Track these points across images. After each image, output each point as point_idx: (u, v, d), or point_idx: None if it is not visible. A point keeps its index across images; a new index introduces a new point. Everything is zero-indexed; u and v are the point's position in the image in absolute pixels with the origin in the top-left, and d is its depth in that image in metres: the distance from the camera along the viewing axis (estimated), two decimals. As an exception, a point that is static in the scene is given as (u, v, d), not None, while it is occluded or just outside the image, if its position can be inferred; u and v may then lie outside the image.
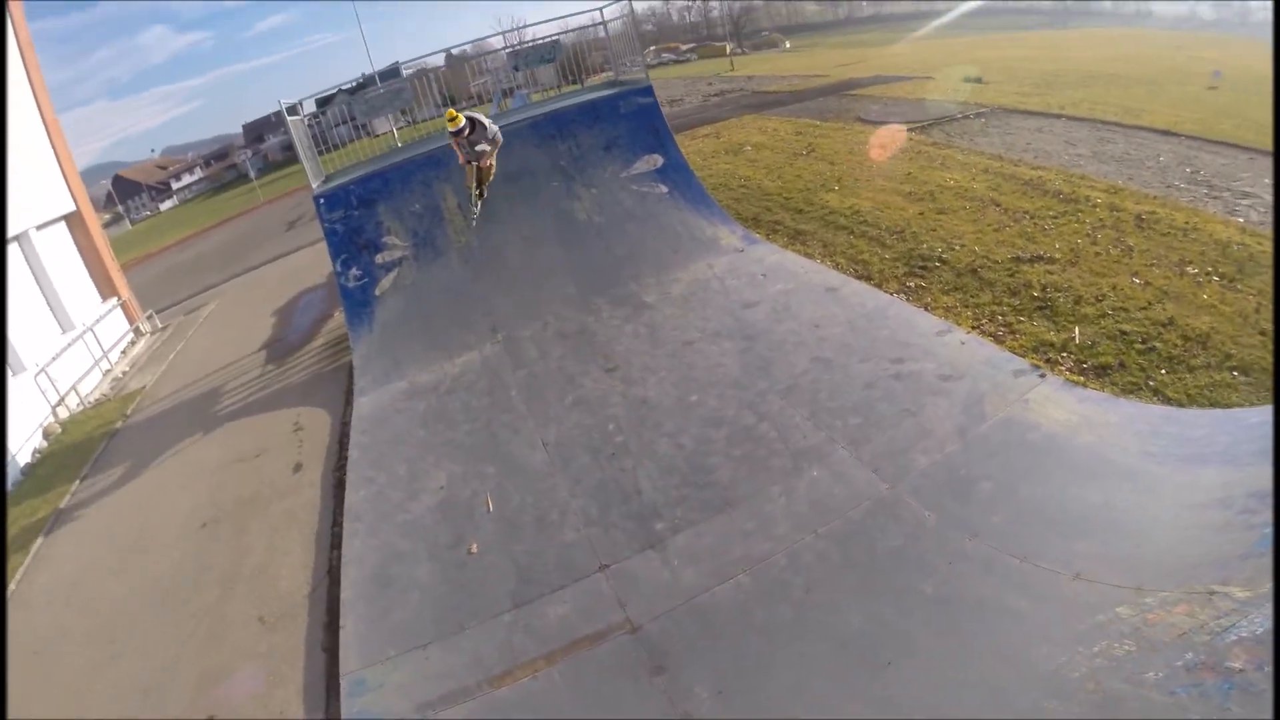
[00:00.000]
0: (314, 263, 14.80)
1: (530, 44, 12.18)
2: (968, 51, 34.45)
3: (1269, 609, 3.33)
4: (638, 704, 4.01)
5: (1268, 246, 9.94)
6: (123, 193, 53.06)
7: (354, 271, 9.22)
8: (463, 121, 8.33)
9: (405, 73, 13.26)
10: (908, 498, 5.02)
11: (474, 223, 9.14)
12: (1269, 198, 13.09)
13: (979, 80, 24.65)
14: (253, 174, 41.24)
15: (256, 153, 53.09)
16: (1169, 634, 3.52)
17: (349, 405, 8.02)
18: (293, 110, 10.02)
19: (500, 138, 8.92)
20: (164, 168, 56.49)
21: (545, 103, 11.74)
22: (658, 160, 10.18)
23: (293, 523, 6.49)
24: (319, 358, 9.89)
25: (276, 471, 7.28)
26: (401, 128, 12.95)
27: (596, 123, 10.41)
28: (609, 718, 3.98)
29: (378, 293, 9.10)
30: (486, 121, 8.84)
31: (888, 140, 15.61)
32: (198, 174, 55.21)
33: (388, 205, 9.60)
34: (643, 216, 9.57)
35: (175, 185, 55.02)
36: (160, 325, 14.08)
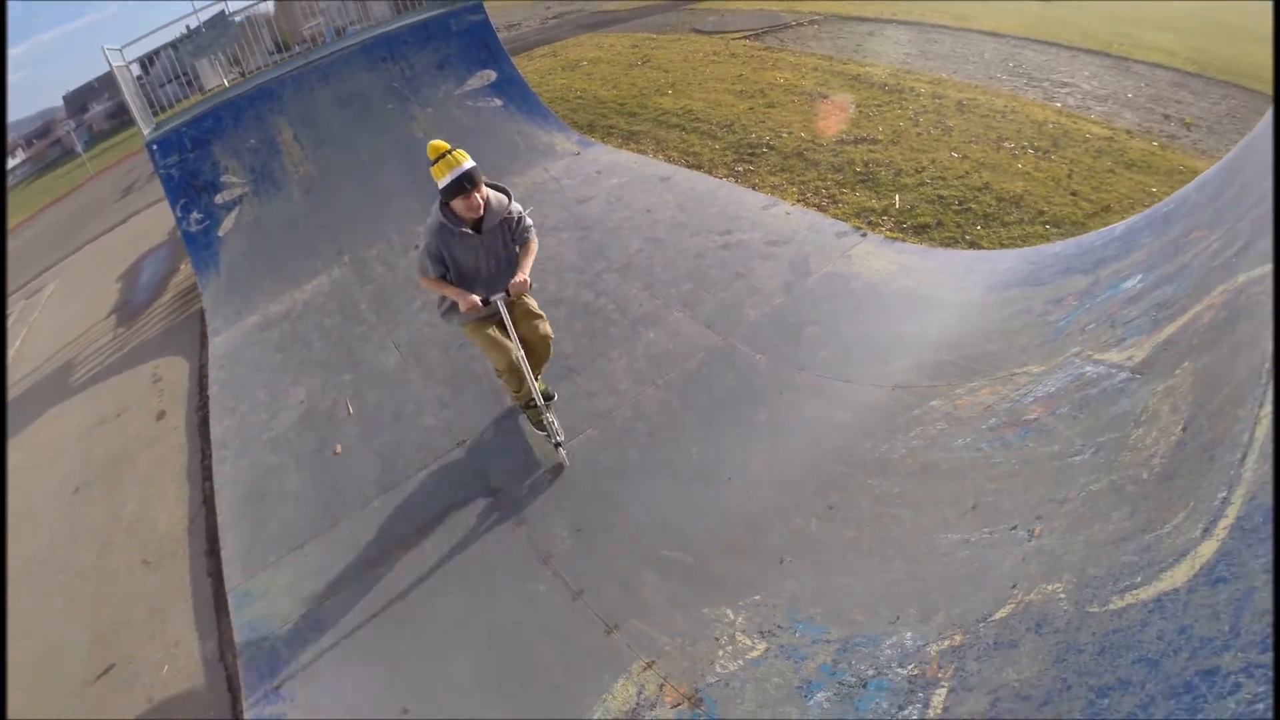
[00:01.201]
0: (154, 224, 14.27)
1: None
2: (811, -37, 35.12)
3: (1062, 376, 3.89)
4: (505, 553, 4.30)
5: (1082, 125, 10.76)
6: (-66, 188, 48.95)
7: (195, 215, 9.02)
8: (467, 164, 4.56)
9: (231, 18, 12.75)
10: (740, 345, 5.45)
11: (560, 447, 4.87)
12: (1087, 87, 14.07)
13: (816, -12, 25.27)
14: (80, 147, 38.55)
15: (81, 124, 49.44)
16: (976, 410, 4.08)
17: (205, 348, 7.94)
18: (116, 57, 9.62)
19: (534, 238, 4.93)
20: (-21, 154, 52.24)
21: (377, 27, 11.56)
22: (491, 75, 10.24)
23: (163, 467, 6.45)
24: (170, 311, 9.68)
25: (141, 424, 7.20)
26: (233, 79, 12.47)
27: (428, 42, 10.36)
28: (479, 570, 4.27)
29: (221, 233, 8.94)
30: (517, 206, 4.84)
31: (720, 47, 15.98)
32: (20, 156, 51.16)
33: (222, 144, 9.37)
34: (479, 130, 9.66)
35: (-3, 171, 51.02)
36: (-1, 315, 13.35)
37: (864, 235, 6.78)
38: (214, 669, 4.53)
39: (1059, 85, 13.84)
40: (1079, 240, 6.02)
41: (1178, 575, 2.09)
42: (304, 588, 4.53)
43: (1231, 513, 2.09)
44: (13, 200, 34.32)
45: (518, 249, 4.87)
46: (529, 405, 5.05)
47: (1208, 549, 2.06)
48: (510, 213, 4.76)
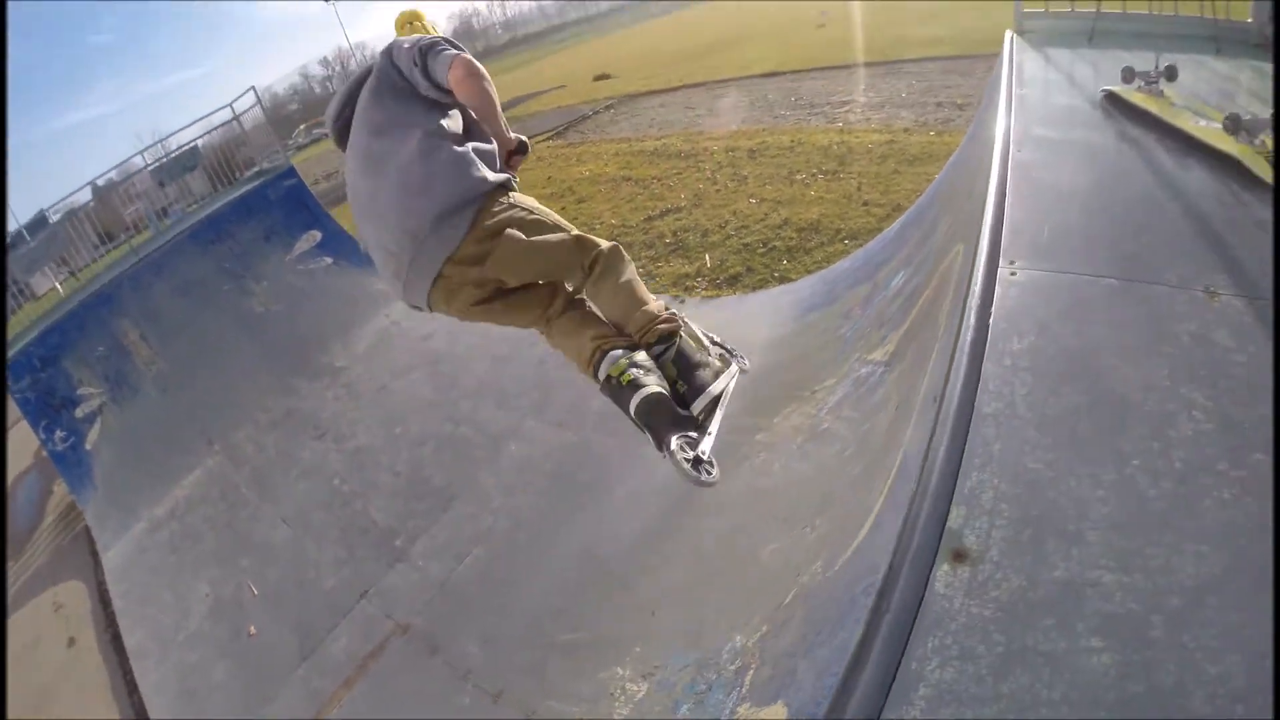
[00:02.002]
0: (16, 447, 13.99)
1: (170, 155, 12.28)
2: (602, 52, 36.86)
3: (847, 383, 4.79)
4: (428, 683, 4.78)
5: (863, 137, 11.96)
6: None
7: (59, 434, 9.10)
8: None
9: (53, 218, 12.74)
10: (592, 435, 6.14)
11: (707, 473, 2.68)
12: (863, 99, 15.49)
13: (607, 77, 26.71)
14: None
15: None
16: (789, 433, 4.96)
17: (99, 564, 8.02)
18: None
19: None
20: None
21: (201, 209, 11.91)
22: (317, 235, 10.72)
23: (87, 693, 6.49)
24: (54, 534, 9.64)
25: (54, 655, 7.20)
26: (64, 280, 12.47)
27: (251, 216, 10.78)
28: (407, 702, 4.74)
29: (89, 446, 9.06)
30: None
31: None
32: None
33: (72, 357, 9.49)
34: (316, 292, 10.11)
35: None
36: None
37: (682, 301, 7.57)
38: None
39: (838, 106, 15.14)
40: (865, 249, 7.00)
41: (862, 534, 2.82)
42: None
43: (893, 471, 2.76)
44: None
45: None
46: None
47: (878, 505, 2.80)
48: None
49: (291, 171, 11.29)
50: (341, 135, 3.06)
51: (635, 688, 3.89)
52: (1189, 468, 1.88)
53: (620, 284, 3.01)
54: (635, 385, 2.72)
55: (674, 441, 2.61)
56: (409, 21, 3.50)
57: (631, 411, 2.74)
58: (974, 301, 2.50)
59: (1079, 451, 1.97)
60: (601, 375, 2.84)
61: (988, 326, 2.37)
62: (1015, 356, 2.26)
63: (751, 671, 3.21)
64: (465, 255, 2.73)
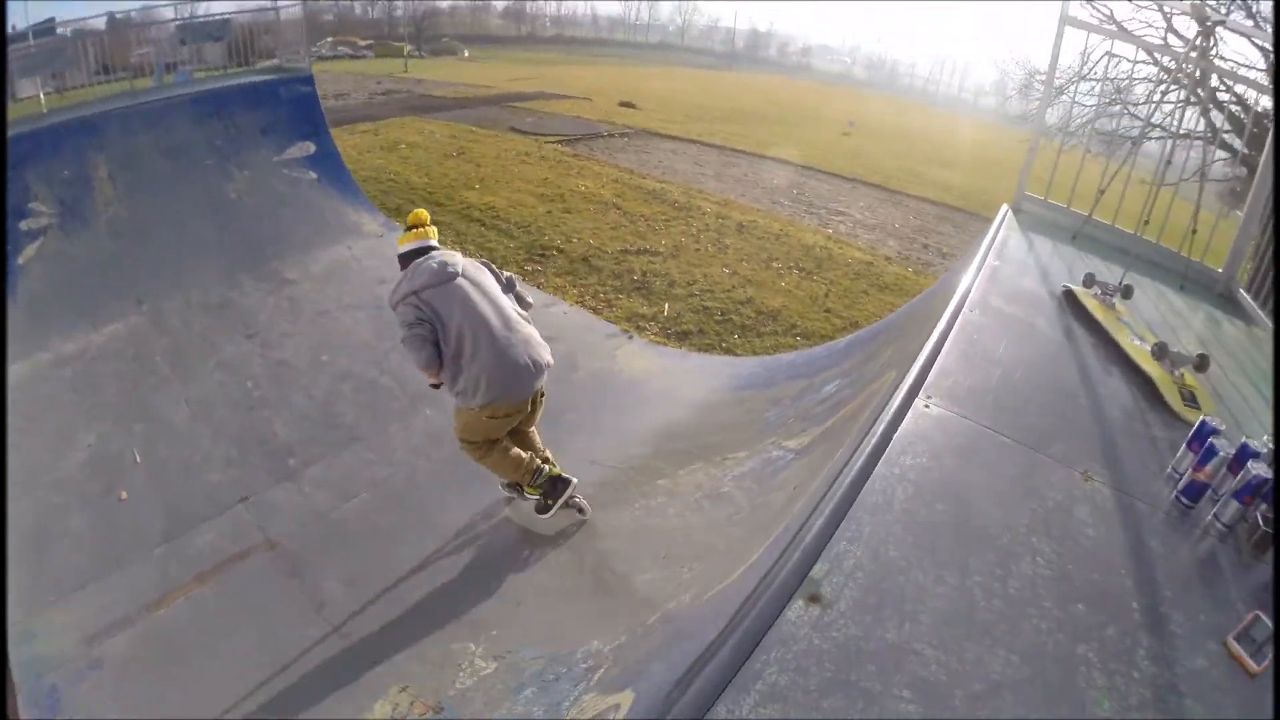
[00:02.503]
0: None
1: (201, 19, 12.22)
2: (633, 81, 37.39)
3: (758, 460, 5.27)
4: (280, 604, 4.91)
5: (847, 250, 12.56)
6: None
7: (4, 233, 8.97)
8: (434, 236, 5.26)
9: (62, 31, 12.43)
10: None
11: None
12: (859, 216, 16.17)
13: (632, 106, 27.20)
14: None
15: None
16: (690, 486, 5.34)
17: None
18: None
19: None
20: None
21: (208, 81, 11.86)
22: (310, 148, 10.83)
23: None
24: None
25: None
26: (48, 93, 12.20)
27: (257, 106, 10.81)
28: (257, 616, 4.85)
29: (21, 261, 8.92)
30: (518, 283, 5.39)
31: (533, 148, 17.20)
32: None
33: (36, 169, 9.31)
34: (292, 200, 10.23)
35: None
36: None
37: (631, 338, 7.96)
38: None
39: (834, 213, 15.78)
40: (811, 351, 7.51)
41: (736, 575, 3.38)
42: (83, 628, 4.79)
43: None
44: None
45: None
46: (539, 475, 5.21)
47: (755, 555, 3.36)
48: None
49: (310, 79, 11.38)
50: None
51: (484, 665, 4.14)
52: (1020, 596, 2.38)
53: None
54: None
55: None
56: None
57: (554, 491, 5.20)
58: (886, 415, 3.05)
59: (933, 555, 2.47)
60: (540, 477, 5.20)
61: (890, 439, 2.92)
62: (905, 469, 2.81)
63: (602, 670, 3.55)
64: None
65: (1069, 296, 4.77)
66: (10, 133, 9.76)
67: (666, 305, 9.15)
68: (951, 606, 2.29)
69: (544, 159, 16.58)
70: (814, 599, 2.22)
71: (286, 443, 6.40)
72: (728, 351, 8.22)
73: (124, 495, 5.97)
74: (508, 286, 5.13)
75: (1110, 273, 5.14)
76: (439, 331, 4.61)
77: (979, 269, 4.83)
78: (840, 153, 22.90)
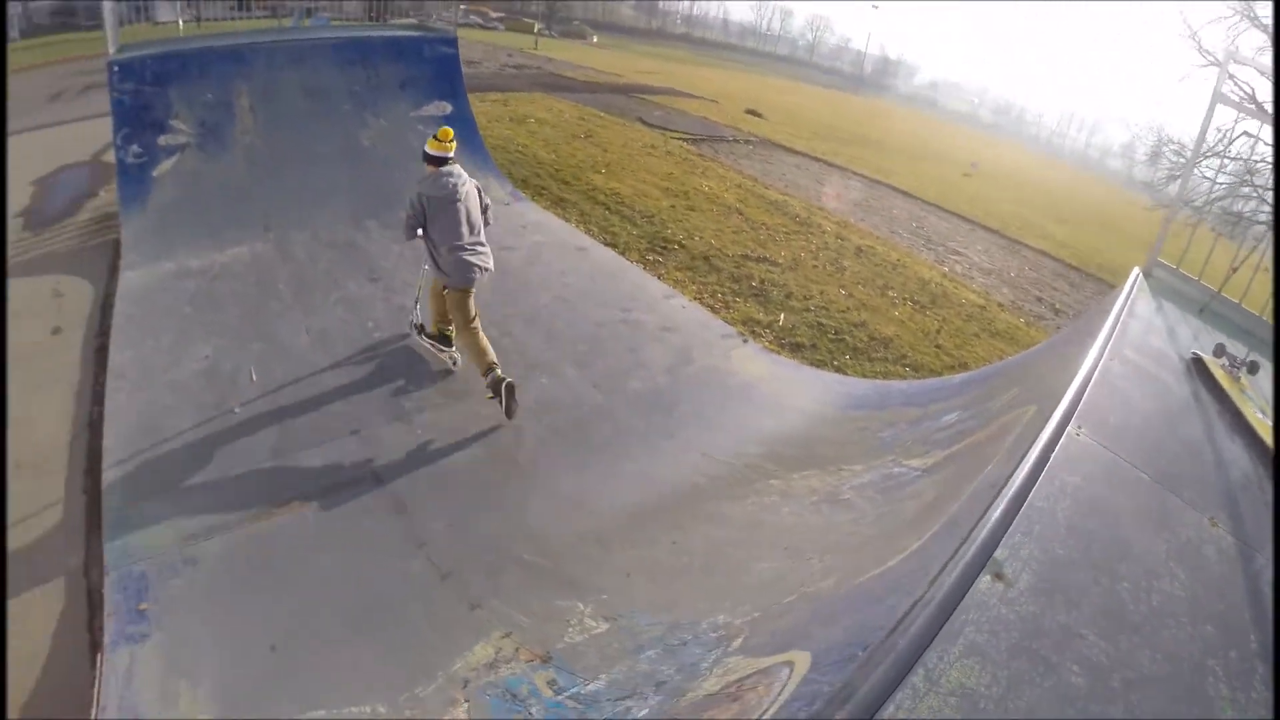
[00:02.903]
0: (78, 142, 13.97)
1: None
2: (760, 90, 37.34)
3: (876, 474, 5.19)
4: (381, 535, 4.88)
5: (961, 290, 12.25)
6: None
7: (134, 148, 9.16)
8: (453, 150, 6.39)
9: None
10: (620, 407, 6.36)
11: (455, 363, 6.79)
12: (976, 258, 15.84)
13: (758, 115, 27.08)
14: (16, 33, 36.01)
15: (24, 11, 46.32)
16: (804, 490, 5.28)
17: (114, 278, 8.05)
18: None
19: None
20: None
21: (346, 28, 12.01)
22: (447, 107, 10.92)
23: (54, 379, 6.53)
24: (82, 232, 9.68)
25: (35, 331, 7.22)
26: (186, 21, 12.51)
27: (398, 59, 10.95)
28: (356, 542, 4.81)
29: (156, 174, 9.13)
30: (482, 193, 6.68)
31: (660, 142, 17.14)
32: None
33: (181, 89, 9.55)
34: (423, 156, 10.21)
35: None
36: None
37: (746, 341, 7.80)
38: (75, 582, 4.62)
39: (951, 252, 15.43)
40: (925, 383, 7.31)
41: (894, 562, 3.38)
42: (182, 525, 4.80)
43: (930, 530, 3.36)
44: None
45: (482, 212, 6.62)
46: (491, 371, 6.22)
47: (913, 545, 3.38)
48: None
49: (454, 41, 11.48)
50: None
51: (594, 624, 4.06)
52: (1161, 608, 2.73)
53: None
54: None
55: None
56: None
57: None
58: (1043, 438, 3.33)
59: (1089, 558, 2.85)
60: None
61: (1049, 457, 3.21)
62: (1063, 484, 3.13)
63: (740, 639, 3.47)
64: None
65: (1197, 363, 4.90)
66: (155, 50, 10.05)
67: (782, 315, 8.96)
68: (1107, 604, 2.67)
69: (669, 154, 16.52)
70: (999, 577, 2.56)
71: (402, 385, 6.40)
72: (839, 370, 8.01)
73: (237, 409, 6.00)
74: (483, 209, 6.59)
75: (1233, 347, 5.18)
76: (428, 222, 6.24)
77: (1116, 323, 4.93)
78: (960, 193, 22.51)
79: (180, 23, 12.49)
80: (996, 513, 2.78)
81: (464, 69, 11.87)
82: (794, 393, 7.01)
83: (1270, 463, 3.99)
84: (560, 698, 3.53)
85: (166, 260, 8.19)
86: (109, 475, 5.27)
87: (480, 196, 6.55)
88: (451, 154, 6.37)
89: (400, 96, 10.79)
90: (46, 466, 5.55)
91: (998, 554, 2.62)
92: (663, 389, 6.69)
